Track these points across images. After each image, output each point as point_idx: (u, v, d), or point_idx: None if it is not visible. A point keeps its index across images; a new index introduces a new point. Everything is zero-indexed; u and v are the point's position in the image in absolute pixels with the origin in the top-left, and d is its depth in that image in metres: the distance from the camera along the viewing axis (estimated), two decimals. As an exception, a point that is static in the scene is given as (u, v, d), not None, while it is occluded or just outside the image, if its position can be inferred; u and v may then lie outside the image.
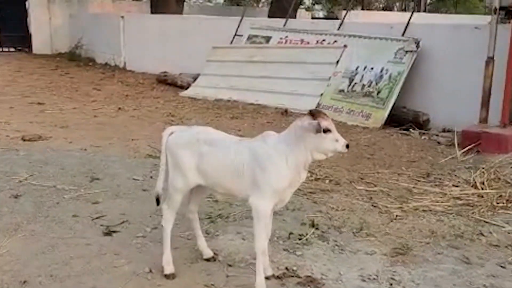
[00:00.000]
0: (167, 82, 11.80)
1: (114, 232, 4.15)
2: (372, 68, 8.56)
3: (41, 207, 4.57)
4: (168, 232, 3.48)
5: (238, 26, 11.14)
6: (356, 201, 4.99)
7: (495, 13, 6.46)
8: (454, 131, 6.87)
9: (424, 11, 34.65)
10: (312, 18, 23.36)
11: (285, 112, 8.67)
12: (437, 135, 7.45)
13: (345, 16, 9.65)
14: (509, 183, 5.37)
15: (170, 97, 10.42)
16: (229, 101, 9.75)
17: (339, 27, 9.52)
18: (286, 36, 10.12)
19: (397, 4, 32.65)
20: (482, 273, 3.55)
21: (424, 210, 4.73)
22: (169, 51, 12.68)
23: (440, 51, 8.17)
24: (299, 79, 9.27)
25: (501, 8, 6.48)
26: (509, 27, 6.69)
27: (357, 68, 8.74)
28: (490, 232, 4.25)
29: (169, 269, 3.46)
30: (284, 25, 10.43)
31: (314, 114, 3.07)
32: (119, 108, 8.99)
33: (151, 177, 5.49)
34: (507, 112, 6.33)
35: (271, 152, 3.10)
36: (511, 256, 3.80)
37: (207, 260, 3.68)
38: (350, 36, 9.11)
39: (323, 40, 9.50)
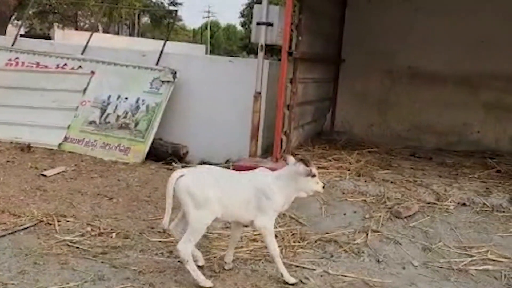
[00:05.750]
0: None
1: None
2: (126, 98, 7.91)
3: None
4: (193, 262, 3.86)
5: None
6: (158, 257, 4.37)
7: (261, 50, 6.63)
8: (229, 164, 6.78)
9: (138, 35, 35.22)
10: (21, 35, 21.13)
11: (28, 148, 7.32)
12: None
13: (89, 39, 8.75)
14: (293, 218, 5.47)
15: None
16: None
17: (83, 51, 8.58)
18: (17, 58, 8.62)
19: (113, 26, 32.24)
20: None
21: (233, 260, 4.38)
22: None
23: (196, 83, 8.05)
24: (38, 108, 7.98)
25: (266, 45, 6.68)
26: (277, 64, 6.97)
27: (109, 98, 7.96)
28: (307, 278, 4.17)
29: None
30: (13, 45, 8.92)
31: (306, 162, 3.91)
32: None
33: None
34: (278, 147, 6.52)
35: (272, 186, 3.92)
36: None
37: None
38: (98, 61, 8.26)
39: (65, 64, 8.39)
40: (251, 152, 6.84)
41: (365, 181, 6.33)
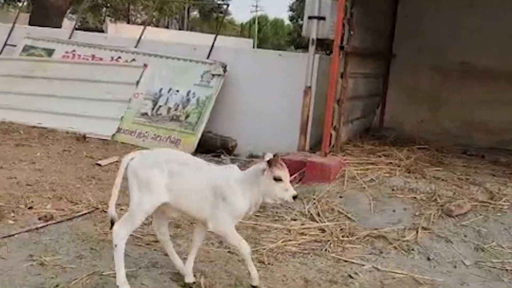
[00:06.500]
0: None
1: None
2: (177, 91, 8.08)
3: None
4: (122, 251, 3.43)
5: (9, 34, 9.50)
6: (208, 247, 4.45)
7: (312, 44, 6.62)
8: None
9: (187, 29, 35.67)
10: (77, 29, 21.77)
11: (83, 138, 7.59)
12: (251, 162, 7.33)
13: (142, 32, 8.96)
14: (342, 213, 5.46)
15: None
16: (3, 123, 8.15)
17: (137, 44, 8.79)
18: (73, 50, 8.95)
19: (162, 20, 32.81)
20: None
21: (281, 253, 4.44)
22: None
23: (245, 76, 8.14)
24: (93, 100, 8.25)
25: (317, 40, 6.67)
26: (327, 58, 6.96)
27: (161, 90, 8.15)
28: (356, 273, 4.17)
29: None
30: (70, 37, 9.24)
31: (270, 162, 3.33)
32: None
33: None
34: (327, 142, 6.51)
35: (234, 186, 3.41)
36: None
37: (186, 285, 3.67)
38: (150, 55, 8.47)
39: (119, 57, 8.65)
40: (300, 146, 6.86)
41: (416, 178, 6.23)
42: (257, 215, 5.35)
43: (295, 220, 5.31)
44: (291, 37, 45.91)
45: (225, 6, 35.69)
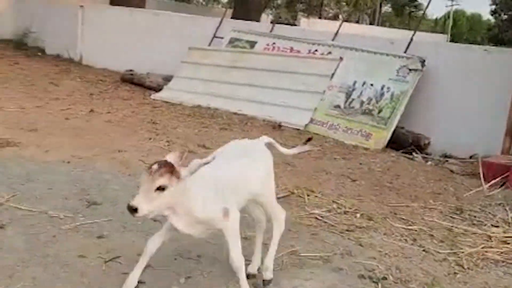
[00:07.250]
0: (133, 81, 10.80)
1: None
2: (371, 85, 8.05)
3: (36, 243, 3.64)
4: None
5: (218, 27, 10.35)
6: (402, 243, 4.38)
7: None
8: (477, 160, 6.44)
9: (378, 24, 35.22)
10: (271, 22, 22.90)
11: (278, 126, 7.98)
12: (445, 162, 7.02)
13: (340, 26, 9.11)
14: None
15: (141, 99, 9.47)
16: (209, 108, 8.94)
17: (334, 37, 8.95)
18: (274, 43, 9.43)
19: (352, 15, 32.86)
20: None
21: (482, 259, 4.19)
22: (135, 48, 11.65)
23: (445, 72, 7.79)
24: (289, 91, 8.61)
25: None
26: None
27: (354, 83, 8.19)
28: None
29: None
30: (271, 31, 9.75)
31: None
32: (91, 110, 7.95)
33: (157, 202, 4.64)
34: (537, 146, 5.98)
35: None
36: None
37: None
38: (346, 48, 8.55)
39: (316, 50, 8.89)
40: (504, 149, 6.39)
41: None
42: (453, 217, 5.14)
43: (496, 227, 4.97)
44: (491, 33, 42.37)
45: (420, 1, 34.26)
